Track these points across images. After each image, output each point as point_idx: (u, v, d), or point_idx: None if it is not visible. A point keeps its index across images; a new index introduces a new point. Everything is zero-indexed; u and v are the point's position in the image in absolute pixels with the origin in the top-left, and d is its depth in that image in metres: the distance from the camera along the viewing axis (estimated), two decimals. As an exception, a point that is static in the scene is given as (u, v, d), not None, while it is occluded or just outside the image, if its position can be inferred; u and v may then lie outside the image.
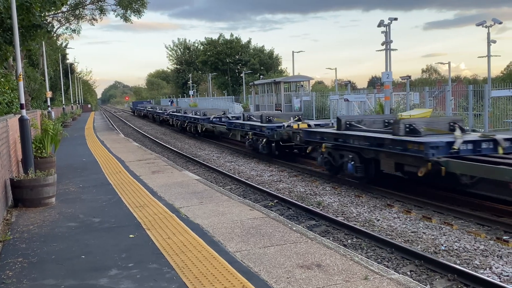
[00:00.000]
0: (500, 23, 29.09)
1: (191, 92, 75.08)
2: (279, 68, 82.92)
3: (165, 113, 40.67)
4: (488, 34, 29.29)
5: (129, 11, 36.49)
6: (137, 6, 36.06)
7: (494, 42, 30.24)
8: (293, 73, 50.44)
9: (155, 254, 5.78)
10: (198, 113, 29.37)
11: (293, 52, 49.43)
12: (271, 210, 9.53)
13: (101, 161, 15.05)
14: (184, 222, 7.19)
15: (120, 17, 36.98)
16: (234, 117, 25.55)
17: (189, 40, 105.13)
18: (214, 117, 26.28)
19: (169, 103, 78.35)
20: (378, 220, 9.42)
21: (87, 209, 8.45)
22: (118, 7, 36.70)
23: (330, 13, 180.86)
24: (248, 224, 6.99)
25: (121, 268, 5.38)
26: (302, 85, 39.11)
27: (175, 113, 36.21)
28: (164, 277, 5.05)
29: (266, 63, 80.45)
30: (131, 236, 6.63)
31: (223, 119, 25.28)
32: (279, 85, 38.20)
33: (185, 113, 33.23)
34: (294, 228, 6.74)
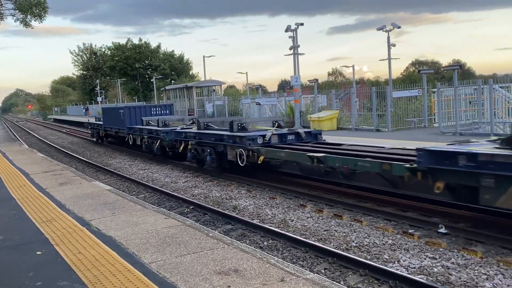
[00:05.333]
0: (399, 27, 30.84)
1: (99, 99, 72.74)
2: (191, 72, 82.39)
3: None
4: (388, 38, 30.95)
5: (29, 16, 34.60)
6: (38, 10, 34.29)
7: (394, 45, 32.01)
8: (204, 78, 50.39)
9: (65, 271, 5.50)
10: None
11: (203, 56, 49.40)
12: (187, 217, 9.43)
13: (3, 175, 14.12)
14: (96, 235, 6.91)
15: (20, 22, 34.97)
16: None
17: (95, 45, 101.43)
18: None
19: (84, 110, 75.27)
20: (292, 221, 9.62)
21: (-12, 227, 7.87)
22: (17, 11, 34.71)
23: (238, 18, 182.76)
24: (163, 233, 6.85)
25: (28, 287, 5.07)
26: (214, 90, 39.22)
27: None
28: (75, 294, 4.81)
29: (177, 68, 79.60)
30: (38, 253, 6.26)
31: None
32: (191, 90, 38.03)
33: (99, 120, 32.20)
34: (210, 235, 6.71)
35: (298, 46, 24.21)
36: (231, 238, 7.50)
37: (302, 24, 24.00)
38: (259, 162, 12.61)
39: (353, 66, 47.25)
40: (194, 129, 16.40)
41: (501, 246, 7.27)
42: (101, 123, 28.14)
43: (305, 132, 13.74)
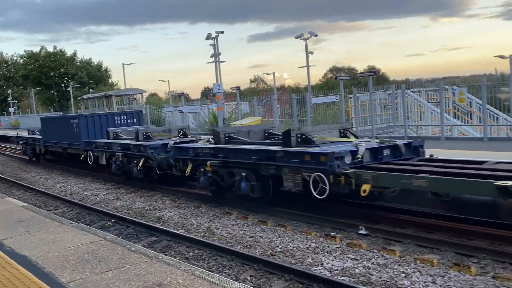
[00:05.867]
0: (316, 35, 31.85)
1: (11, 110, 69.15)
2: (110, 81, 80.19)
3: None
4: (306, 46, 31.87)
5: None
6: None
7: (312, 53, 33.01)
8: (125, 86, 49.26)
9: (-26, 297, 5.13)
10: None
11: (123, 64, 48.36)
12: (109, 231, 9.13)
13: None
14: (9, 255, 6.51)
15: None
16: None
17: (7, 54, 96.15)
18: None
19: None
20: (218, 229, 9.57)
21: None
22: None
23: (157, 25, 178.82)
24: (82, 250, 6.57)
25: None
26: (135, 98, 38.52)
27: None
28: (-14, 322, 4.49)
29: (95, 76, 77.16)
30: None
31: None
32: (110, 99, 37.12)
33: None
34: (133, 249, 6.51)
35: (219, 53, 24.27)
36: (155, 250, 7.35)
37: (222, 32, 24.09)
38: (363, 194, 8.10)
39: (273, 73, 48.23)
40: (203, 143, 12.43)
41: (417, 245, 7.62)
42: (39, 137, 22.68)
43: (404, 144, 9.56)
